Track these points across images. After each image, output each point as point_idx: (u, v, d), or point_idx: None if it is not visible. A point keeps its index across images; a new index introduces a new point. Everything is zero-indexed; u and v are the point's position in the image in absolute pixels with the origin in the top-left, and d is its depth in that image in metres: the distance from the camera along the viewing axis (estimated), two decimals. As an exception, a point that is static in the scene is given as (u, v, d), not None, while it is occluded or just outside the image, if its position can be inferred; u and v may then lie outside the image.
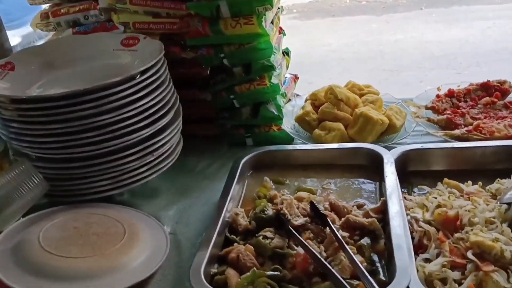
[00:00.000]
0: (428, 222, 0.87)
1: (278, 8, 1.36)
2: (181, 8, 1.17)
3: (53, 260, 0.83)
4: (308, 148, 1.18)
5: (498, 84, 1.29)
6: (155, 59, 1.03)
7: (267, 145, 1.20)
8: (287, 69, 1.47)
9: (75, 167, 1.00)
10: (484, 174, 1.00)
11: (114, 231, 0.92)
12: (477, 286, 0.74)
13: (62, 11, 1.30)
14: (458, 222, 0.84)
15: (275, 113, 1.24)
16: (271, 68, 1.20)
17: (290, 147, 1.20)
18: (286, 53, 1.46)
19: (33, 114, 0.96)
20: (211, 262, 0.86)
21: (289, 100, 1.40)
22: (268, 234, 0.90)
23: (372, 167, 1.08)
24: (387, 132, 1.20)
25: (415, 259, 0.80)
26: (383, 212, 0.93)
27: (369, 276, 0.75)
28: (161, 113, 1.06)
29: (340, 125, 1.21)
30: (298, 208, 0.95)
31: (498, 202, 0.87)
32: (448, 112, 1.23)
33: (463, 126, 1.16)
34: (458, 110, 1.23)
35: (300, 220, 0.92)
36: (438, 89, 1.33)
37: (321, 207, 0.94)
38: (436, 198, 0.91)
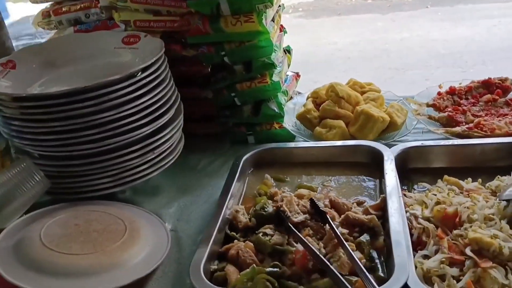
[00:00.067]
0: (427, 219, 0.86)
1: (279, 6, 1.36)
2: (181, 6, 1.18)
3: (54, 257, 0.84)
4: (309, 145, 1.18)
5: (499, 82, 1.29)
6: (155, 56, 1.04)
7: (269, 142, 1.20)
8: (288, 67, 1.47)
9: (76, 165, 1.01)
10: (484, 171, 1.00)
11: (115, 228, 0.93)
12: (475, 282, 0.74)
13: (63, 9, 1.31)
14: (457, 219, 0.84)
15: (276, 111, 1.24)
16: (272, 66, 1.21)
17: (290, 144, 1.20)
18: (287, 51, 1.46)
19: (34, 112, 0.97)
20: (211, 258, 0.86)
21: (291, 98, 1.40)
22: (268, 231, 0.90)
23: (372, 165, 1.08)
24: (388, 130, 1.19)
25: (414, 255, 0.80)
26: (382, 209, 0.92)
27: (367, 273, 0.75)
28: (162, 110, 1.06)
29: (341, 123, 1.21)
30: (298, 205, 0.95)
31: (498, 199, 0.87)
32: (449, 109, 1.22)
33: (464, 123, 1.16)
34: (459, 108, 1.22)
35: (300, 217, 0.92)
36: (440, 86, 1.33)
37: (321, 204, 0.94)
38: (435, 195, 0.91)
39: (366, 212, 0.93)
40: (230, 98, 1.24)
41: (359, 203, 0.97)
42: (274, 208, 0.94)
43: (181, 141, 1.17)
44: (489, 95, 1.26)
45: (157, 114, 1.05)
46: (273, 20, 1.28)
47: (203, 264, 0.82)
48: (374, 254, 0.83)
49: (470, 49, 4.04)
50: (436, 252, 0.80)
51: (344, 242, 0.83)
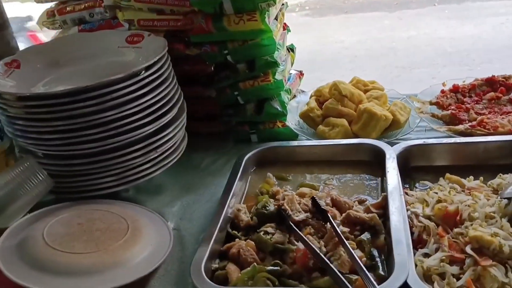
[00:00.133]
0: (428, 217, 0.86)
1: (282, 4, 1.36)
2: (184, 5, 1.18)
3: (57, 255, 0.85)
4: (311, 144, 1.18)
5: (503, 79, 1.28)
6: (158, 55, 1.04)
7: (272, 141, 1.21)
8: (292, 65, 1.46)
9: (79, 164, 1.02)
10: (487, 169, 0.99)
11: (118, 227, 0.93)
12: (475, 281, 0.73)
13: (67, 9, 1.32)
14: (458, 217, 0.84)
15: (279, 109, 1.24)
16: (275, 64, 1.21)
17: (293, 143, 1.20)
18: (291, 49, 1.46)
19: (38, 111, 0.98)
20: (212, 257, 0.87)
21: (294, 96, 1.40)
22: (269, 229, 0.90)
23: (374, 163, 1.08)
24: (391, 128, 1.19)
25: (414, 254, 0.80)
26: (383, 208, 0.92)
27: (367, 271, 0.75)
28: (165, 109, 1.07)
29: (344, 121, 1.20)
30: (299, 203, 0.95)
31: (499, 197, 0.86)
32: (452, 107, 1.21)
33: (467, 121, 1.15)
34: (463, 106, 1.22)
35: (301, 216, 0.92)
36: (443, 84, 1.32)
37: (322, 203, 0.94)
38: (436, 193, 0.91)
39: (367, 210, 0.93)
40: (233, 97, 1.24)
41: (361, 202, 0.97)
42: (276, 206, 0.94)
43: (184, 139, 1.18)
44: (492, 93, 1.25)
45: (160, 112, 1.05)
46: (276, 18, 1.28)
47: (204, 262, 0.83)
48: (375, 253, 0.83)
49: (477, 47, 4.01)
50: (437, 250, 0.79)
51: (345, 240, 0.83)
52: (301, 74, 1.51)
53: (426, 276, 0.76)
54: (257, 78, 1.22)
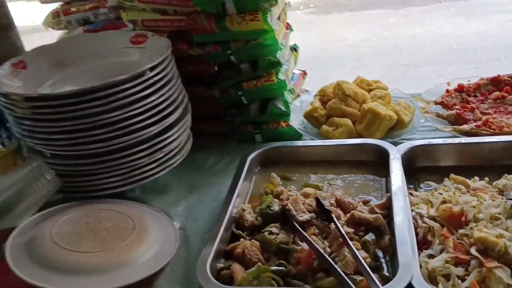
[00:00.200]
0: (432, 218, 0.86)
1: (285, 4, 1.36)
2: (187, 5, 1.18)
3: (65, 254, 0.86)
4: (315, 144, 1.18)
5: (508, 79, 1.27)
6: (163, 56, 1.05)
7: (276, 141, 1.21)
8: (295, 65, 1.46)
9: (86, 164, 1.03)
10: (492, 169, 0.99)
11: (124, 226, 0.94)
12: (480, 282, 0.73)
13: (72, 9, 1.34)
14: (463, 218, 0.83)
15: (283, 109, 1.24)
16: (278, 64, 1.21)
17: (297, 143, 1.20)
18: (294, 49, 1.46)
19: (45, 111, 0.98)
20: (218, 257, 0.87)
21: (298, 96, 1.40)
22: (274, 229, 0.90)
23: (379, 163, 1.08)
24: (396, 128, 1.19)
25: (419, 255, 0.80)
26: (388, 208, 0.92)
27: (371, 272, 0.76)
28: (170, 110, 1.07)
29: (348, 121, 1.20)
30: (304, 204, 0.96)
31: (504, 198, 0.86)
32: (457, 107, 1.21)
33: (472, 121, 1.14)
34: (468, 105, 1.21)
35: (305, 216, 0.92)
36: (448, 84, 1.32)
37: (326, 203, 0.94)
38: (441, 194, 0.91)
39: (371, 211, 0.93)
40: (237, 97, 1.25)
41: (365, 202, 0.97)
42: (280, 207, 0.95)
43: (189, 140, 1.18)
44: (497, 92, 1.24)
45: (165, 113, 1.06)
46: (279, 18, 1.28)
47: (210, 262, 0.83)
48: (379, 253, 0.83)
49: (483, 44, 3.98)
50: (441, 251, 0.79)
51: (349, 241, 0.83)
52: (304, 73, 1.51)
53: (431, 278, 0.76)
54: (261, 78, 1.23)
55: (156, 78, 1.03)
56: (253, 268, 0.82)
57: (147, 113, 1.03)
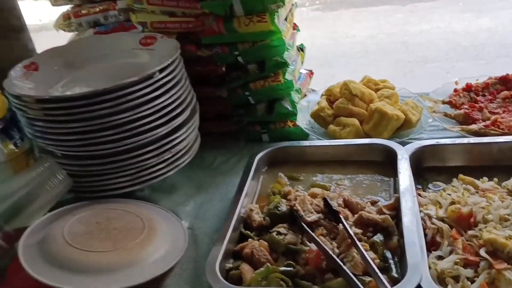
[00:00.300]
0: (441, 219, 0.86)
1: (292, 4, 1.36)
2: (196, 7, 1.19)
3: (76, 254, 0.87)
4: (323, 144, 1.18)
5: (517, 78, 1.26)
6: (172, 57, 1.06)
7: (283, 141, 1.21)
8: (302, 65, 1.47)
9: (96, 164, 1.04)
10: (502, 170, 0.98)
11: (134, 226, 0.95)
12: (489, 284, 0.73)
13: (83, 12, 1.35)
14: (472, 219, 0.83)
15: (290, 109, 1.25)
16: (285, 64, 1.21)
17: (304, 143, 1.20)
18: (301, 49, 1.47)
19: (56, 113, 1.00)
20: (226, 257, 0.88)
21: (305, 95, 1.41)
22: (282, 230, 0.91)
23: (386, 163, 1.08)
24: (403, 128, 1.19)
25: (428, 256, 0.80)
26: (396, 209, 0.92)
27: (380, 273, 0.76)
28: (178, 111, 1.08)
29: (355, 121, 1.20)
30: (311, 204, 0.96)
31: (513, 199, 0.86)
32: (465, 106, 1.20)
33: (481, 121, 1.14)
34: (476, 105, 1.20)
35: (313, 217, 0.92)
36: (456, 83, 1.31)
37: (334, 204, 0.94)
38: (450, 194, 0.90)
39: (379, 211, 0.93)
40: (244, 97, 1.25)
41: (373, 203, 0.97)
42: (288, 207, 0.95)
43: (197, 140, 1.19)
44: (506, 92, 1.23)
45: (173, 114, 1.07)
46: (286, 19, 1.28)
47: (219, 262, 0.84)
48: (388, 254, 0.83)
49: (492, 41, 3.94)
50: (450, 252, 0.79)
51: (357, 242, 0.83)
52: (311, 73, 1.51)
53: (440, 279, 0.76)
54: (268, 78, 1.23)
55: (165, 80, 1.04)
56: (262, 269, 0.83)
57: (156, 114, 1.03)
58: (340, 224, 0.89)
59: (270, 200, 1.01)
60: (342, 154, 1.14)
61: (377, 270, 0.76)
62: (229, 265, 0.87)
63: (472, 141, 1.07)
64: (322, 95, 1.34)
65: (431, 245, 0.83)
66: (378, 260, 0.82)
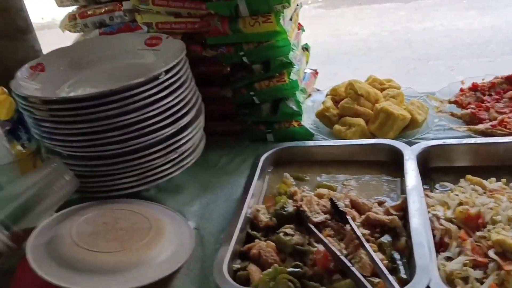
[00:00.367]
0: (449, 220, 0.86)
1: (297, 4, 1.36)
2: (201, 8, 1.19)
3: (84, 254, 0.87)
4: (328, 144, 1.18)
5: (524, 77, 1.26)
6: (177, 58, 1.05)
7: (288, 141, 1.21)
8: (306, 64, 1.47)
9: (102, 165, 1.04)
10: (509, 170, 0.98)
11: (141, 226, 0.95)
12: (499, 285, 0.73)
13: (88, 12, 1.35)
14: (480, 220, 0.83)
15: (295, 109, 1.25)
16: (290, 65, 1.21)
17: (310, 143, 1.20)
18: (305, 48, 1.46)
19: (63, 114, 1.00)
20: (234, 258, 0.88)
21: (309, 95, 1.40)
22: (289, 230, 0.90)
23: (393, 164, 1.08)
24: (409, 128, 1.18)
25: (437, 257, 0.80)
26: (403, 210, 0.92)
27: (388, 274, 0.76)
28: (184, 111, 1.08)
29: (361, 121, 1.20)
30: (318, 205, 0.96)
31: (522, 200, 0.85)
32: (472, 106, 1.20)
33: (488, 120, 1.13)
34: (482, 104, 1.20)
35: (320, 217, 0.92)
36: (462, 82, 1.31)
37: (341, 204, 0.94)
38: (458, 195, 0.90)
39: (387, 212, 0.93)
40: (249, 97, 1.25)
41: (380, 203, 0.97)
42: (295, 208, 0.95)
43: (202, 140, 1.19)
44: (512, 91, 1.23)
45: (179, 114, 1.07)
46: (291, 19, 1.28)
47: (226, 263, 0.84)
48: (396, 255, 0.83)
49: (496, 38, 3.92)
50: (459, 254, 0.79)
51: (365, 243, 0.83)
52: (316, 73, 1.51)
53: (449, 280, 0.76)
54: (273, 78, 1.23)
55: (171, 81, 1.04)
56: (270, 269, 0.83)
57: (162, 115, 1.03)
58: (348, 225, 0.89)
59: (276, 201, 1.01)
60: (347, 154, 1.14)
61: (385, 271, 0.76)
62: (236, 265, 0.87)
63: (479, 141, 1.06)
64: (327, 94, 1.34)
65: (440, 246, 0.83)
66: (386, 261, 0.82)
